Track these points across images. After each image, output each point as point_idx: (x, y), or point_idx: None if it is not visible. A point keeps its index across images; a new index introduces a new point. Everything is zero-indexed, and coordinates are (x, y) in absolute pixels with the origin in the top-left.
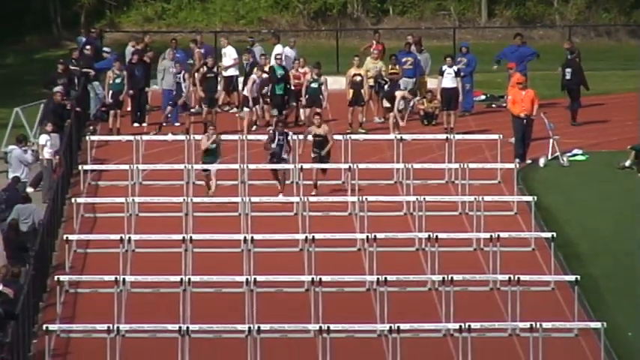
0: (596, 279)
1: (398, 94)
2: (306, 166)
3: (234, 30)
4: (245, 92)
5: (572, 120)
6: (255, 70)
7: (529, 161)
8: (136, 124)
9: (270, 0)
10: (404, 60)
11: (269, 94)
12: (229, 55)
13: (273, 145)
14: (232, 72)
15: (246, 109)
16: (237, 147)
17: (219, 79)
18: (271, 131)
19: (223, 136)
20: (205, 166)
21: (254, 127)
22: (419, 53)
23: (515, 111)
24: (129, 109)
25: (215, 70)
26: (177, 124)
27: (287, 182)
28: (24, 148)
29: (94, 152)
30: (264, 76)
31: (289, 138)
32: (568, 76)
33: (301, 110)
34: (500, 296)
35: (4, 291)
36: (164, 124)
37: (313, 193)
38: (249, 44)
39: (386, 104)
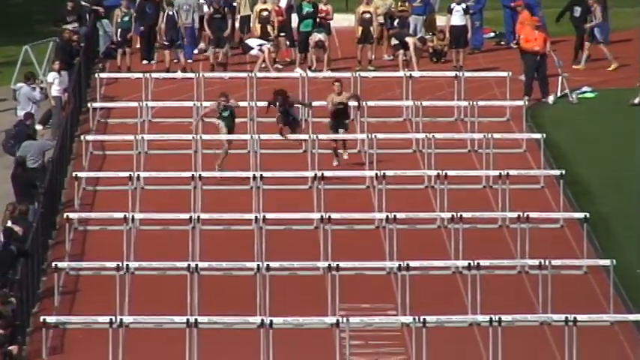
0: (606, 216)
1: (410, 40)
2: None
3: None
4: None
5: (580, 58)
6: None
7: (551, 97)
8: (145, 62)
9: None
10: None
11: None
12: None
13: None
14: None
15: (253, 52)
16: (247, 84)
17: (227, 19)
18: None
19: (234, 74)
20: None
21: (264, 64)
22: None
23: (529, 47)
24: (138, 46)
25: (222, 11)
26: (190, 60)
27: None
28: (32, 86)
29: (103, 90)
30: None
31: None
32: (577, 14)
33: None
34: (509, 234)
35: (14, 228)
36: (175, 61)
37: (335, 163)
38: None
39: (394, 41)
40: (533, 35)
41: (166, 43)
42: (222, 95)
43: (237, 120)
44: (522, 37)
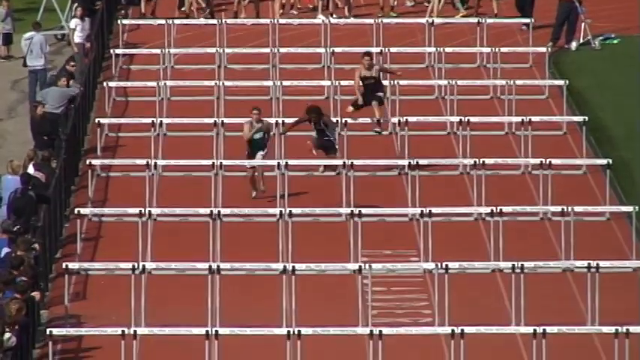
0: (628, 163)
1: None
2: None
3: None
4: None
5: None
6: None
7: (574, 43)
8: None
9: None
10: None
11: None
12: None
13: (314, 134)
14: None
15: None
16: (269, 31)
17: None
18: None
19: (256, 20)
20: (249, 162)
21: (281, 11)
22: None
23: None
24: None
25: None
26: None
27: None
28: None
29: (126, 36)
30: None
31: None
32: None
33: None
34: (531, 180)
35: (36, 175)
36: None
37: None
38: None
39: None
40: None
41: None
42: (254, 109)
43: (259, 66)
44: None
